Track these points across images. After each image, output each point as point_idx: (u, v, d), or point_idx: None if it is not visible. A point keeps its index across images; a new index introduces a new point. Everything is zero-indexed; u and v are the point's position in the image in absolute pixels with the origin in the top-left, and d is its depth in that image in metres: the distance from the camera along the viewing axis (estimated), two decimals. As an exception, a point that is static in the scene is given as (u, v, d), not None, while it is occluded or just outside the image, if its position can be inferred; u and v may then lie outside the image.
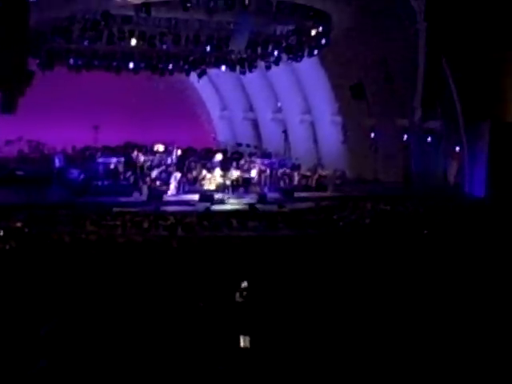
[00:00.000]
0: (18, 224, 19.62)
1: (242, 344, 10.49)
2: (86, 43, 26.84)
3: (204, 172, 27.22)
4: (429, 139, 29.17)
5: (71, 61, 28.69)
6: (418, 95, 26.95)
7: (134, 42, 26.99)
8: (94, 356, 9.21)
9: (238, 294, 11.83)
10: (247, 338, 10.30)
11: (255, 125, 36.35)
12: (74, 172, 26.57)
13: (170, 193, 26.22)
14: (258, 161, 29.13)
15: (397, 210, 23.79)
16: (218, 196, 25.77)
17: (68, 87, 30.75)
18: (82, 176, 26.26)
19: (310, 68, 31.47)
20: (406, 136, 29.85)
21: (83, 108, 31.41)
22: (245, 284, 11.94)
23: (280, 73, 31.96)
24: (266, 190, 27.48)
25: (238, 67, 30.83)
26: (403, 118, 29.53)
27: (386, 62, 29.20)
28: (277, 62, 30.01)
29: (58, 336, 9.73)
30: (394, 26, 28.02)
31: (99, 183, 26.16)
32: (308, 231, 21.02)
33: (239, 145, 33.02)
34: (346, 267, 15.51)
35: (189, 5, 25.49)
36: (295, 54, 29.40)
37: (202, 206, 24.54)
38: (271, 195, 26.71)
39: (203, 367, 9.12)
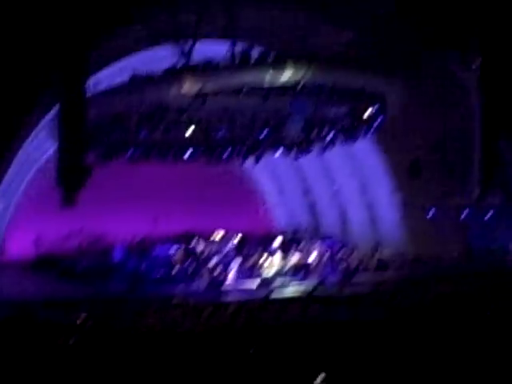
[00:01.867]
0: (80, 319, 19.71)
1: None
2: (142, 134, 27.07)
3: (263, 257, 27.18)
4: (489, 215, 28.84)
5: (129, 152, 28.96)
6: (475, 173, 26.74)
7: (190, 130, 27.02)
8: None
9: None
10: None
11: (313, 208, 36.28)
12: (133, 263, 26.73)
13: (229, 280, 26.21)
14: (317, 244, 29.06)
15: (460, 290, 23.40)
16: (278, 281, 25.67)
17: (127, 178, 31.12)
18: (141, 267, 26.42)
19: (366, 147, 31.38)
20: (464, 213, 29.53)
21: (142, 198, 31.72)
22: (322, 376, 11.74)
23: (335, 154, 31.90)
24: (325, 273, 27.31)
25: (293, 151, 30.75)
26: (461, 195, 29.23)
27: (444, 140, 29.00)
28: (333, 143, 29.86)
29: None
30: (449, 104, 27.96)
31: (159, 273, 26.27)
32: (369, 314, 20.73)
33: (297, 229, 33.00)
34: (410, 352, 15.28)
35: (243, 91, 25.67)
36: (351, 135, 29.24)
37: (263, 292, 24.45)
38: (331, 278, 26.53)
39: None
